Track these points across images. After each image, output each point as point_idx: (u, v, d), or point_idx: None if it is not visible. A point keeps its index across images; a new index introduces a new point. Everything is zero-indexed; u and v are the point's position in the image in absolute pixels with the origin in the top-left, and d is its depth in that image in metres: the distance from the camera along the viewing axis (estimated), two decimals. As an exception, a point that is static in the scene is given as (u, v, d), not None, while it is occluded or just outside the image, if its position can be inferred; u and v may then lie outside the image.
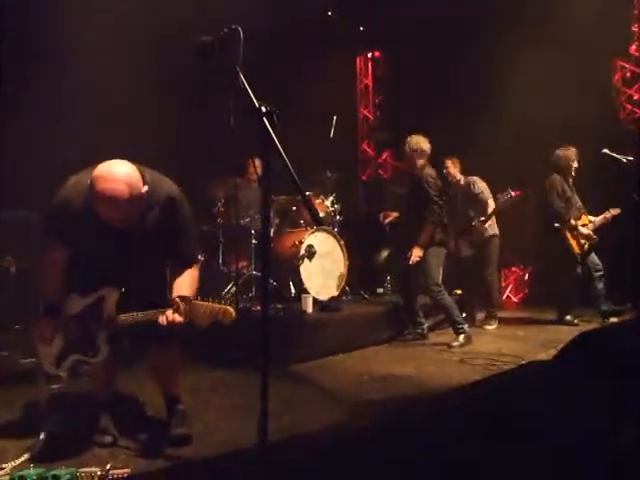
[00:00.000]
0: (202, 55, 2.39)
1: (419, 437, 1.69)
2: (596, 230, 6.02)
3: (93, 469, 2.31)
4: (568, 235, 5.99)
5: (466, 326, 5.24)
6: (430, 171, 5.19)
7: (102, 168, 2.56)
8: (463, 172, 6.44)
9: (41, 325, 2.79)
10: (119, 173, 2.53)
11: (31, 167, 4.68)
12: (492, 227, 6.24)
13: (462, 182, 6.39)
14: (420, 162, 5.18)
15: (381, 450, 1.56)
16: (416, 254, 5.07)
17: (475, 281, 6.35)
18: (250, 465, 1.34)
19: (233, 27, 2.35)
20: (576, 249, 5.97)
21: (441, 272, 5.16)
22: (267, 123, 2.08)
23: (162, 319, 2.56)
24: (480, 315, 6.34)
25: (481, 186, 6.27)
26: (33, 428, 2.91)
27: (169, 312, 2.56)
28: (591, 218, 6.11)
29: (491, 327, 6.11)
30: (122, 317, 2.70)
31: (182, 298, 2.59)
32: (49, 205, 2.75)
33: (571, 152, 6.07)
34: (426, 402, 1.89)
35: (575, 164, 6.06)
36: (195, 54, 2.40)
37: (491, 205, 6.16)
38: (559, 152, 6.08)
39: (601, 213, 6.08)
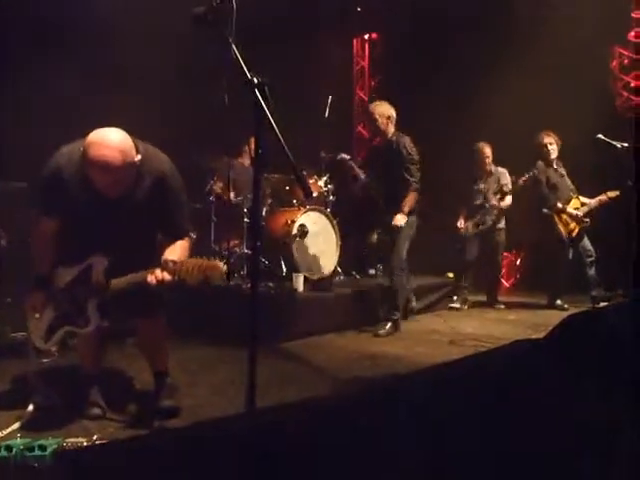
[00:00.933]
0: (197, 26, 2.37)
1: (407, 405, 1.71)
2: (590, 212, 6.04)
3: (80, 439, 2.31)
4: (556, 220, 6.05)
5: (399, 316, 5.04)
6: (406, 136, 5.06)
7: (96, 134, 2.56)
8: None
9: (32, 297, 2.78)
10: (113, 139, 2.54)
11: (24, 137, 4.62)
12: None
13: (492, 171, 6.40)
14: (392, 128, 5.07)
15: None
16: (401, 220, 4.84)
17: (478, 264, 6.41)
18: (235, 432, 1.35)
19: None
20: (564, 233, 6.01)
21: (408, 245, 4.99)
22: (259, 95, 2.06)
23: (151, 278, 2.54)
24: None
25: (508, 179, 6.32)
26: (22, 400, 2.92)
27: (157, 271, 2.54)
28: (585, 200, 6.12)
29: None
30: (113, 282, 2.69)
31: (171, 260, 2.59)
32: (39, 175, 2.73)
33: (542, 137, 6.11)
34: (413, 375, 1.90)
35: (551, 148, 6.09)
36: (192, 24, 2.37)
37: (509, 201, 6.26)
38: (535, 140, 6.15)
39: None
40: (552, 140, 6.12)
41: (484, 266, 6.50)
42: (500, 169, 6.40)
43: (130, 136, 2.64)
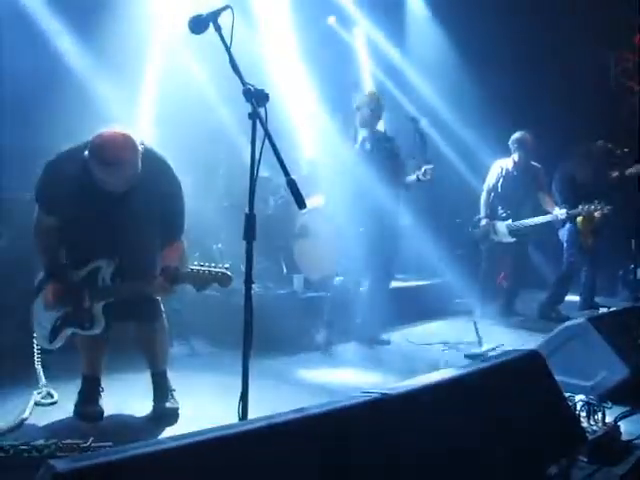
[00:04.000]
0: (194, 30, 2.37)
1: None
2: None
3: (76, 441, 2.33)
4: None
5: None
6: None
7: (106, 135, 2.61)
8: None
9: (52, 290, 2.79)
10: (121, 138, 2.60)
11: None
12: None
13: None
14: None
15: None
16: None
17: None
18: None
19: (226, 5, 2.33)
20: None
21: None
22: (255, 104, 2.08)
23: (154, 287, 2.65)
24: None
25: None
26: (20, 399, 2.94)
27: (160, 280, 2.64)
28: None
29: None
30: (121, 286, 2.74)
31: (174, 269, 2.67)
32: (40, 175, 2.77)
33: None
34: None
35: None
36: (189, 28, 2.37)
37: None
38: None
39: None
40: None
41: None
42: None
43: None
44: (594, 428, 2.44)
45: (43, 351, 3.19)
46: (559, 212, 5.44)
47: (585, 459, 2.27)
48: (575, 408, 2.51)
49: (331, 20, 7.80)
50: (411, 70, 7.75)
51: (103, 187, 2.65)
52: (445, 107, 6.98)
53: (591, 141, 5.79)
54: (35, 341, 3.10)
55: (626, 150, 5.33)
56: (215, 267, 2.63)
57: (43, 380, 3.19)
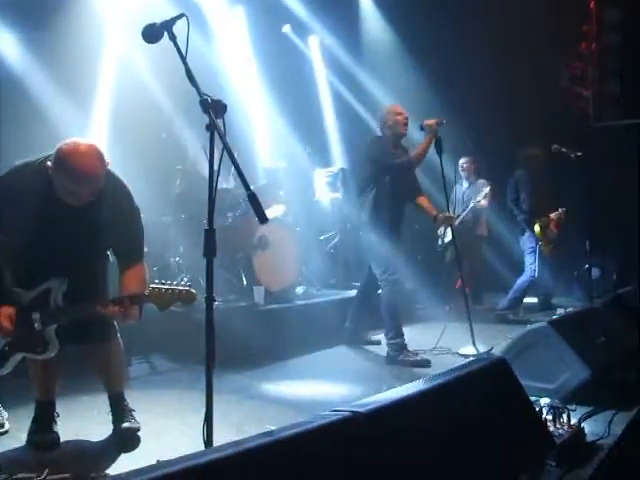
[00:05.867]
0: (148, 39, 2.29)
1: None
2: None
3: (29, 475, 2.20)
4: None
5: None
6: None
7: (73, 146, 2.54)
8: None
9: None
10: (93, 149, 2.56)
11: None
12: None
13: None
14: None
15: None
16: None
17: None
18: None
19: (181, 13, 2.27)
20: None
21: None
22: (212, 115, 2.02)
23: (112, 312, 2.55)
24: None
25: None
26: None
27: (120, 306, 2.55)
28: None
29: None
30: (74, 308, 2.61)
31: (135, 295, 2.59)
32: None
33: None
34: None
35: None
36: (143, 37, 2.30)
37: None
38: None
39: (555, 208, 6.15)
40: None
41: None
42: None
43: None
44: (560, 432, 2.45)
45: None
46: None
47: (554, 463, 2.28)
48: (541, 412, 2.52)
49: (286, 28, 7.80)
50: (367, 77, 7.80)
51: (64, 199, 2.57)
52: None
53: (544, 145, 5.92)
54: None
55: (579, 154, 5.45)
56: (177, 285, 2.54)
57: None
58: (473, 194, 6.77)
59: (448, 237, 6.56)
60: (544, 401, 2.69)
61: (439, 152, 4.55)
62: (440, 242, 6.78)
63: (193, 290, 2.54)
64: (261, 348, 4.37)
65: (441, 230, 6.75)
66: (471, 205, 6.62)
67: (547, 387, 3.15)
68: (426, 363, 4.33)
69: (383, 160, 4.49)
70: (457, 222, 6.46)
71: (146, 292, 2.55)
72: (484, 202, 6.58)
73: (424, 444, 1.85)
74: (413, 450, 1.80)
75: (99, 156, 2.58)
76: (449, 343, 4.71)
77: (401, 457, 1.75)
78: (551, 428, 2.46)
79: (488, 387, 2.27)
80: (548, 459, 2.28)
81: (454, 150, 6.82)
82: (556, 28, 6.55)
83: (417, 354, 4.45)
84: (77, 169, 2.51)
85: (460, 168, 6.98)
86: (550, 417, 2.52)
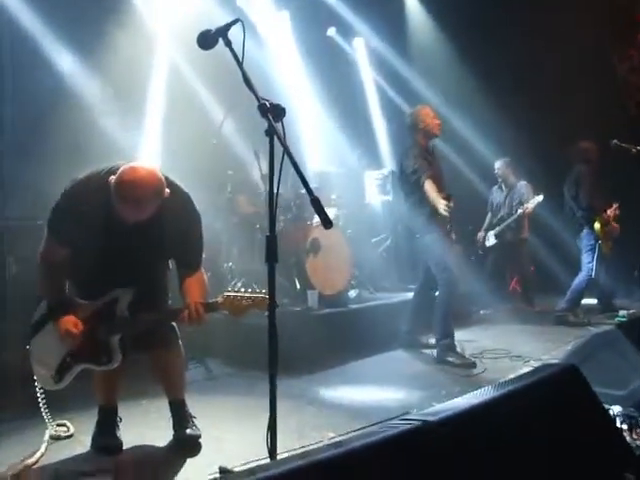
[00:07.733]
0: (203, 46, 2.29)
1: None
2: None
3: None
4: None
5: None
6: None
7: (129, 172, 2.49)
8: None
9: (63, 323, 2.61)
10: (147, 179, 2.49)
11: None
12: None
13: None
14: None
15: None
16: None
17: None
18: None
19: (236, 19, 2.26)
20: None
21: None
22: (271, 119, 2.00)
23: (182, 318, 2.59)
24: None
25: None
26: (34, 431, 2.85)
27: (188, 313, 2.58)
28: None
29: None
30: (142, 316, 2.63)
31: (210, 303, 2.63)
32: (56, 202, 2.63)
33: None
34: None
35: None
36: (198, 44, 2.29)
37: None
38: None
39: (610, 204, 5.93)
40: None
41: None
42: None
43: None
44: (638, 442, 2.32)
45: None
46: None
47: (633, 476, 2.15)
48: (615, 421, 2.40)
49: (331, 31, 7.78)
50: (414, 78, 7.70)
51: (124, 218, 2.55)
52: (451, 114, 6.90)
53: (598, 141, 5.72)
54: (37, 384, 2.80)
55: (639, 148, 5.22)
56: (252, 292, 2.57)
57: (50, 424, 2.95)
58: (516, 198, 6.60)
59: (490, 242, 6.72)
60: (617, 409, 2.56)
61: None
62: (481, 245, 6.81)
63: (264, 296, 2.53)
64: (317, 353, 4.34)
65: (481, 235, 6.80)
66: (519, 212, 6.43)
67: (617, 394, 3.01)
68: (472, 365, 4.31)
69: (415, 180, 4.48)
70: (503, 226, 6.60)
71: (220, 299, 2.56)
72: (531, 208, 6.37)
73: (495, 454, 1.78)
74: (484, 461, 1.73)
75: (152, 187, 2.50)
76: (506, 346, 4.60)
77: (472, 468, 1.68)
78: (627, 438, 2.33)
79: (559, 395, 2.17)
80: (627, 472, 2.16)
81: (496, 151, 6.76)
82: (607, 21, 6.33)
83: (464, 356, 4.43)
84: (125, 198, 2.47)
85: (496, 173, 6.81)
86: (625, 427, 2.40)
